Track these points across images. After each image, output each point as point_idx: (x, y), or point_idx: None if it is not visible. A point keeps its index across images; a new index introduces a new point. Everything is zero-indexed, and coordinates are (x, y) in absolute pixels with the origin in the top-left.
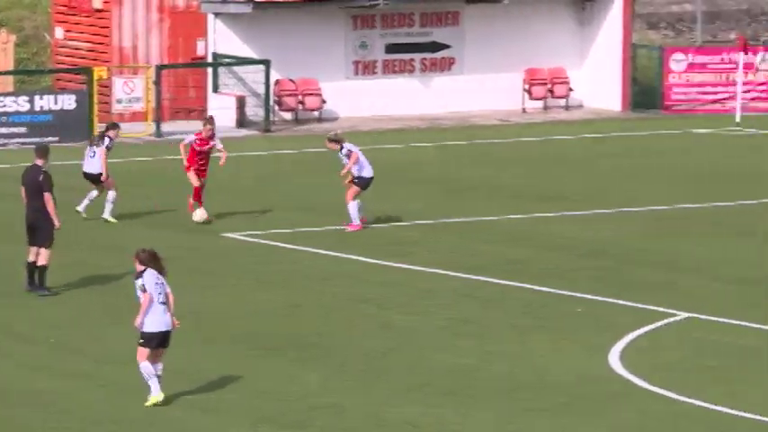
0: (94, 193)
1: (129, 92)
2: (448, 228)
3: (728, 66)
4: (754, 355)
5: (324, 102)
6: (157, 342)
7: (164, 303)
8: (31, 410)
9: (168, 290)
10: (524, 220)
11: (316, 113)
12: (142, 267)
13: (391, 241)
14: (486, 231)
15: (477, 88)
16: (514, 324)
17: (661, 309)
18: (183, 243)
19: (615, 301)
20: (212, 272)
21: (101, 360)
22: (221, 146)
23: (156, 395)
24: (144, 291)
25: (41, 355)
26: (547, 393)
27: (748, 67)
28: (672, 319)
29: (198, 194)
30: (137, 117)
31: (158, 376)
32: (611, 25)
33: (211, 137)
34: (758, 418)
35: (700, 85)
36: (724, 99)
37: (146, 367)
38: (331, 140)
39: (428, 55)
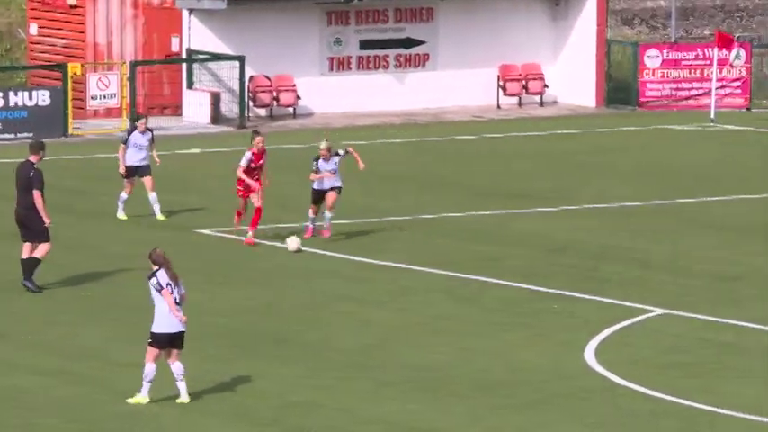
0: (123, 195)
1: (104, 88)
2: (424, 224)
3: (703, 62)
4: (729, 350)
5: (298, 98)
6: (167, 342)
7: (176, 304)
8: (5, 407)
9: (183, 290)
10: (499, 217)
11: (290, 110)
12: (156, 267)
13: (368, 238)
14: (462, 228)
15: (451, 84)
16: (490, 320)
17: (636, 305)
18: (157, 240)
19: (590, 297)
20: (186, 268)
21: (74, 357)
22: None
23: (143, 396)
24: (161, 288)
25: (16, 351)
26: (523, 390)
27: (723, 63)
28: (646, 316)
29: (255, 220)
30: (111, 113)
31: (181, 377)
32: (586, 21)
33: (264, 150)
34: (733, 414)
35: (674, 81)
36: (698, 95)
37: (149, 369)
38: (329, 150)
39: (402, 51)
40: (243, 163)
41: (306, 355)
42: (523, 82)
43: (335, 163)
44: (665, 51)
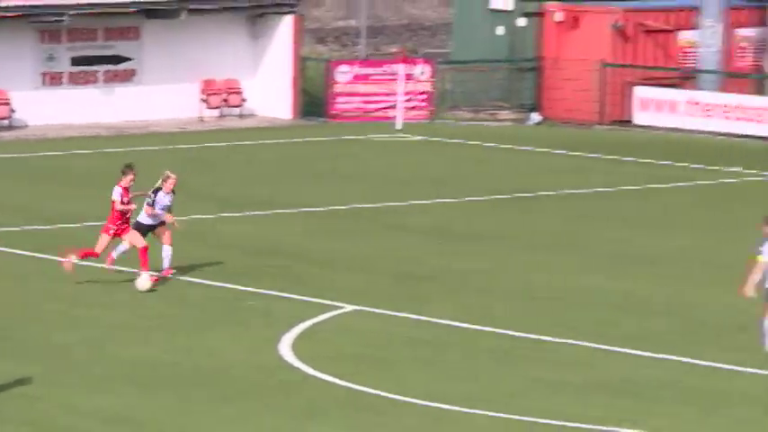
0: None
1: None
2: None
3: (390, 77)
4: (412, 343)
5: (13, 111)
6: None
7: None
8: None
9: None
10: (204, 221)
11: (5, 122)
12: None
13: (80, 241)
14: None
15: (156, 98)
16: (195, 318)
17: (329, 302)
18: None
19: (287, 295)
20: None
21: None
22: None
23: None
24: None
25: None
26: (226, 383)
27: (409, 78)
28: (338, 311)
29: (91, 255)
30: None
31: None
32: (282, 39)
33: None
34: (419, 402)
35: (364, 94)
36: (386, 108)
37: None
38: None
39: (111, 67)
40: (116, 197)
41: (20, 351)
42: (224, 95)
43: (170, 201)
44: (355, 67)
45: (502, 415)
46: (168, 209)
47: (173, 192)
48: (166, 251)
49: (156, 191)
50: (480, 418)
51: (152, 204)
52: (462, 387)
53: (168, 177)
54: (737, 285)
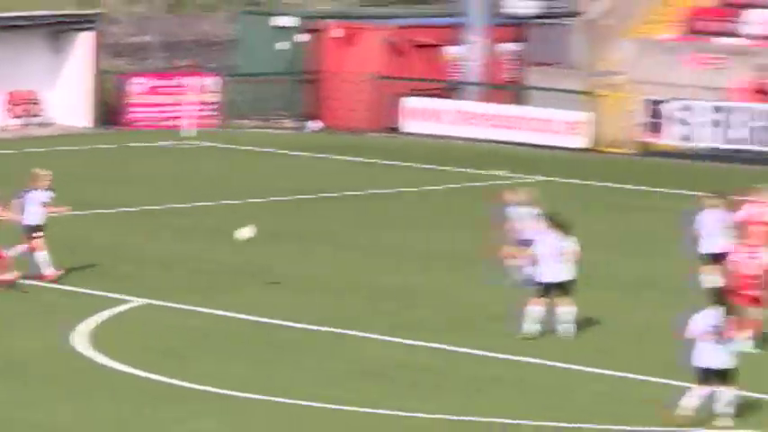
0: None
1: None
2: None
3: (182, 88)
4: (206, 335)
5: None
6: None
7: None
8: None
9: None
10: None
11: None
12: None
13: None
14: None
15: None
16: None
17: (127, 296)
18: None
19: (88, 291)
20: None
21: None
22: None
23: None
24: None
25: None
26: (26, 372)
27: (200, 89)
28: (131, 305)
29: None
30: None
31: None
32: (82, 53)
33: None
34: (217, 391)
35: (158, 105)
36: (178, 117)
37: None
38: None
39: None
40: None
41: None
42: (27, 106)
43: (49, 197)
44: (150, 79)
45: (301, 402)
46: (45, 204)
47: (51, 188)
48: (40, 257)
49: (28, 191)
50: (264, 404)
51: (21, 197)
52: (254, 376)
53: (39, 175)
54: (498, 278)
